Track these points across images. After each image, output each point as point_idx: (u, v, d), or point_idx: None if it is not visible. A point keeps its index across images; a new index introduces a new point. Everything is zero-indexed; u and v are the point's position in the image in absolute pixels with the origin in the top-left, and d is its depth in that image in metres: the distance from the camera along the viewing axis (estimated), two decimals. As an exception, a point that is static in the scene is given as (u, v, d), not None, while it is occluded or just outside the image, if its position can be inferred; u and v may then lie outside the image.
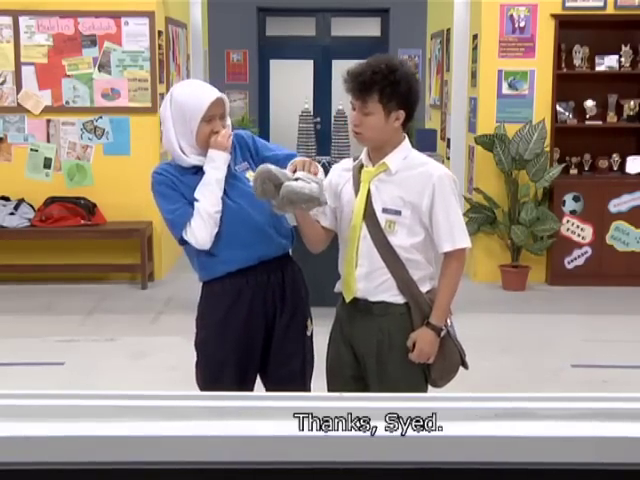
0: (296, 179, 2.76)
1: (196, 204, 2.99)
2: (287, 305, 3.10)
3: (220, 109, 3.04)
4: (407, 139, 2.97)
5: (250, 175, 3.03)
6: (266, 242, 3.02)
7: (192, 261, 3.15)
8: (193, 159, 3.04)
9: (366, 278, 2.92)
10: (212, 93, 3.04)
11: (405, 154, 2.93)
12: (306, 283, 3.23)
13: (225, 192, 3.03)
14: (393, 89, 2.82)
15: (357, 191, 2.94)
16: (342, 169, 3.07)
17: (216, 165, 3.01)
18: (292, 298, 3.11)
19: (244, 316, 3.05)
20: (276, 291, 3.08)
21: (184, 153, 3.04)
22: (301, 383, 3.14)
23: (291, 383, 3.08)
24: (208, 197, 2.99)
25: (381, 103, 2.82)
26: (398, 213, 2.87)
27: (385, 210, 2.88)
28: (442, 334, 2.93)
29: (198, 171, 3.03)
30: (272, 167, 2.78)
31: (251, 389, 3.15)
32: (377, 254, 2.90)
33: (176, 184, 3.03)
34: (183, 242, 3.04)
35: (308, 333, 3.18)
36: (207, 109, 2.98)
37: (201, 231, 2.98)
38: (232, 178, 3.04)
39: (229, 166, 3.06)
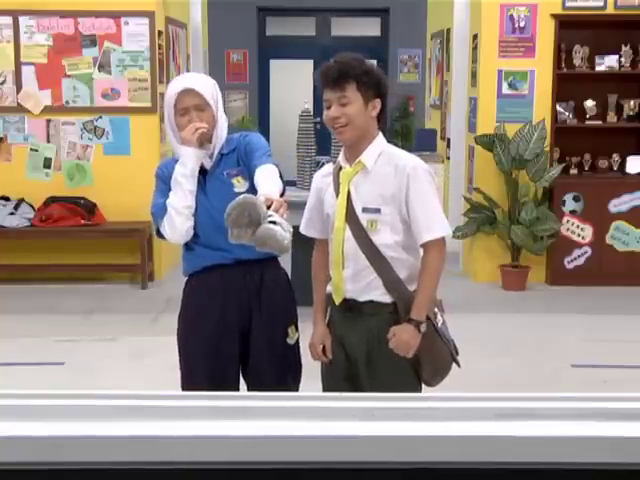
0: (273, 222, 2.63)
1: (168, 201, 2.99)
2: (264, 308, 3.05)
3: (194, 100, 2.95)
4: (381, 134, 2.97)
5: (238, 181, 2.99)
6: (242, 246, 2.94)
7: None
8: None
9: (353, 279, 2.92)
10: (181, 83, 2.99)
11: (380, 149, 2.93)
12: (293, 289, 3.18)
13: (206, 193, 3.00)
14: (368, 77, 2.86)
15: (338, 193, 2.95)
16: (323, 175, 3.08)
17: (183, 161, 2.97)
18: (270, 302, 3.06)
19: (217, 312, 3.03)
20: (252, 292, 3.04)
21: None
22: (282, 389, 3.05)
23: (271, 389, 2.99)
24: (177, 193, 2.97)
25: (359, 91, 2.84)
26: (378, 211, 2.87)
27: (365, 210, 2.88)
28: (422, 329, 2.88)
29: None
30: (257, 201, 2.63)
31: (234, 390, 3.09)
32: (362, 255, 2.89)
33: (169, 179, 3.03)
34: (159, 235, 3.07)
35: (290, 341, 3.11)
36: (175, 101, 2.94)
37: (170, 225, 2.98)
38: (217, 181, 3.00)
39: (216, 168, 3.03)
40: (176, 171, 2.98)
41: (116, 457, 1.15)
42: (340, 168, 2.97)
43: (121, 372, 5.08)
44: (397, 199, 2.86)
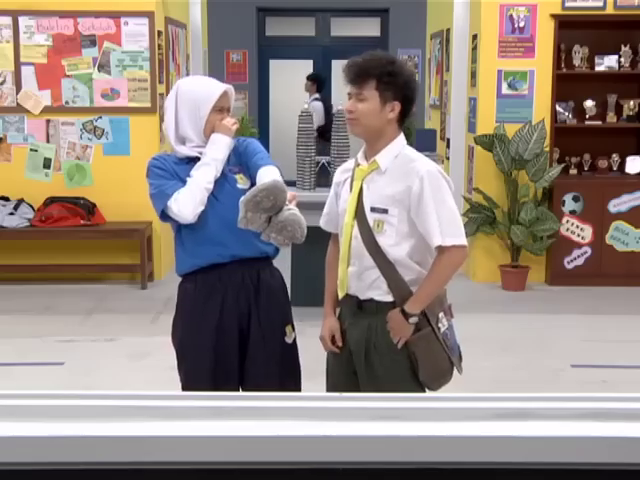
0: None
1: (188, 179, 3.01)
2: (262, 309, 3.06)
3: (228, 102, 3.12)
4: (402, 135, 2.95)
5: (241, 178, 3.07)
6: (241, 242, 2.98)
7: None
8: (188, 150, 3.07)
9: (357, 277, 2.93)
10: (221, 85, 3.14)
11: (398, 151, 2.91)
12: (286, 290, 3.19)
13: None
14: (391, 79, 2.85)
15: (352, 189, 2.96)
16: (343, 169, 3.10)
17: (216, 147, 3.04)
18: (268, 302, 3.07)
19: (216, 316, 3.02)
20: (250, 292, 3.05)
21: (182, 144, 3.08)
22: (280, 389, 3.05)
23: (268, 390, 2.98)
24: (202, 172, 3.00)
25: (378, 90, 2.84)
26: (385, 212, 2.85)
27: (373, 209, 2.88)
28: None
29: (191, 161, 3.06)
30: (286, 189, 2.75)
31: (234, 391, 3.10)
32: (367, 254, 2.89)
33: (168, 168, 3.07)
34: (164, 216, 3.04)
35: (288, 340, 3.13)
36: (218, 99, 3.05)
37: (186, 199, 2.97)
38: (221, 177, 3.04)
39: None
40: (208, 155, 3.02)
41: (116, 457, 1.15)
42: (357, 165, 2.98)
43: (120, 372, 5.08)
44: (406, 202, 2.84)
